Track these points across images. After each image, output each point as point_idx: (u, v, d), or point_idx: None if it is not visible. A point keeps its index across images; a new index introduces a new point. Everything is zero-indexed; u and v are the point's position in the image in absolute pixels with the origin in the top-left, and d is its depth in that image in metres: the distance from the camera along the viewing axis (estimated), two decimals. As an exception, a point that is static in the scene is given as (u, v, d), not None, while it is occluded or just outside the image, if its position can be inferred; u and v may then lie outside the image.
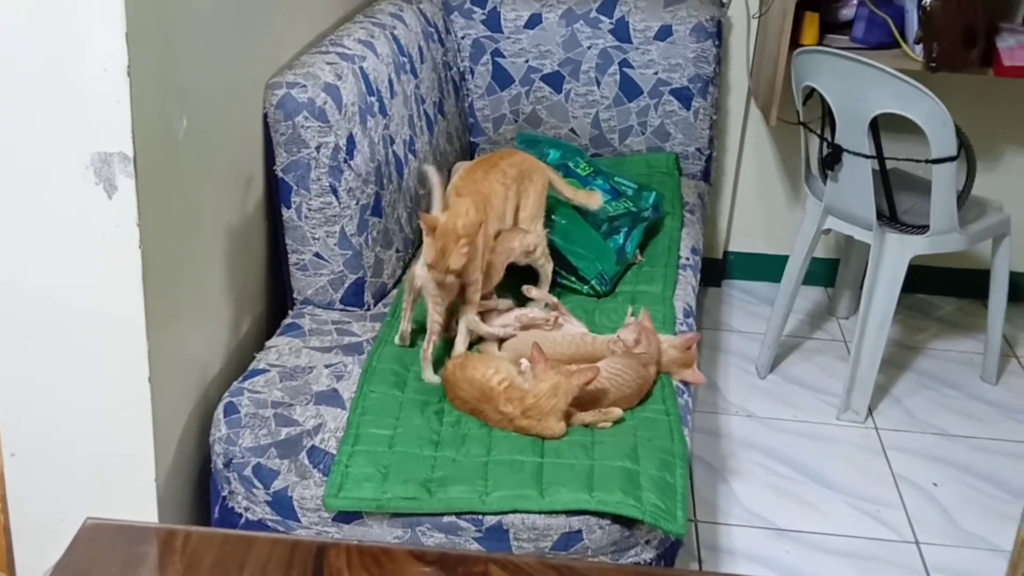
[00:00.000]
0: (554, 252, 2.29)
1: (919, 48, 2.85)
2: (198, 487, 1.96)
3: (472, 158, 2.96)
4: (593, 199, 2.35)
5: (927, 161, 2.55)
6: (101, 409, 1.78)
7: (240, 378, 1.98)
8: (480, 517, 1.70)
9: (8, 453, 1.85)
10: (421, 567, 1.05)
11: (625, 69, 3.03)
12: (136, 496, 1.81)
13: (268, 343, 2.09)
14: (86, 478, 1.84)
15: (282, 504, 1.75)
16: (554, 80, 3.05)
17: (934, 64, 2.80)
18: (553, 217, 2.32)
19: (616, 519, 1.71)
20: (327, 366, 2.02)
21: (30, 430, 1.83)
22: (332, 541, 1.09)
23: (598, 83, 3.05)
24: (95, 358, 1.75)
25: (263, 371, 2.00)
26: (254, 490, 1.77)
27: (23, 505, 1.90)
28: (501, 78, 3.06)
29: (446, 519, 1.70)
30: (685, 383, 2.09)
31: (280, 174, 2.12)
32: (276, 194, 2.15)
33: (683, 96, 3.03)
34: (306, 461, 1.79)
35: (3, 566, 1.99)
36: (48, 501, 1.87)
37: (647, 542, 1.74)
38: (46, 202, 1.66)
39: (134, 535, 1.07)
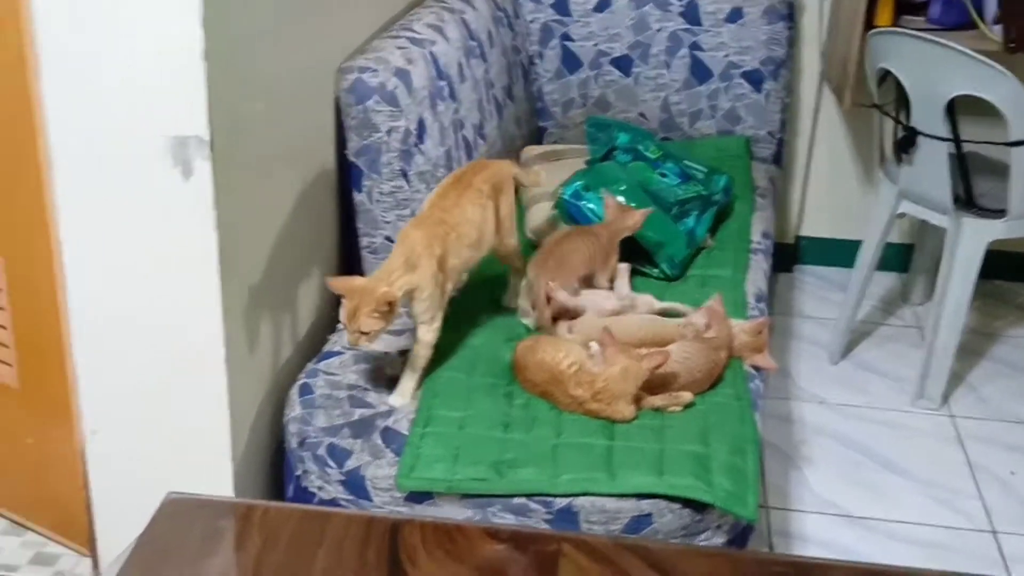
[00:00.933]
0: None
1: (997, 29, 2.78)
2: (272, 467, 1.99)
3: (540, 142, 2.96)
4: (535, 177, 2.23)
5: (1005, 144, 2.49)
6: (179, 388, 1.82)
7: (314, 359, 2.01)
8: (550, 499, 1.71)
9: (89, 431, 1.90)
10: (494, 544, 1.06)
11: (695, 52, 3.00)
12: (213, 475, 1.85)
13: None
14: (164, 457, 1.88)
15: (355, 483, 1.77)
16: (623, 63, 3.04)
17: (1013, 45, 2.74)
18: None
19: (687, 503, 1.71)
20: (400, 351, 2.03)
21: (110, 409, 1.88)
22: (406, 518, 1.10)
23: (668, 66, 3.02)
24: (172, 337, 1.79)
25: (337, 353, 2.03)
26: (327, 469, 1.79)
27: (103, 483, 1.95)
28: (570, 62, 3.05)
29: (516, 501, 1.71)
30: (756, 368, 2.07)
31: (351, 158, 2.14)
32: (347, 178, 2.17)
33: (754, 79, 2.99)
34: (379, 441, 1.81)
35: (84, 542, 2.04)
36: (128, 479, 1.92)
37: (718, 527, 1.73)
38: (124, 184, 1.70)
39: (214, 509, 1.09)
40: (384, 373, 1.98)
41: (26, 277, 1.90)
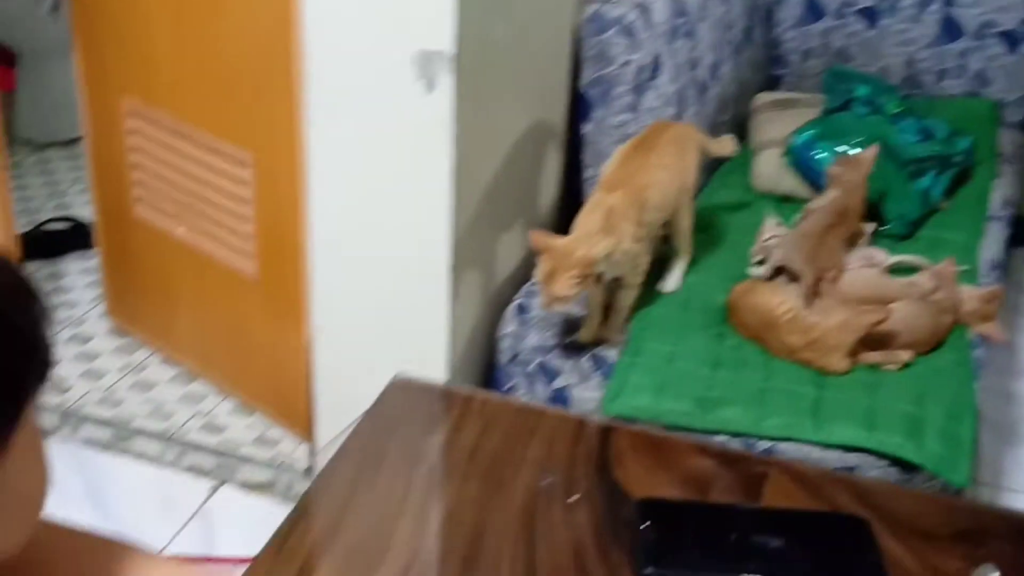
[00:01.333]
0: (854, 189, 2.21)
1: None
2: (483, 380, 2.06)
3: (774, 90, 2.90)
4: (727, 146, 2.16)
5: None
6: (404, 294, 1.90)
7: (532, 281, 2.06)
8: (753, 440, 1.71)
9: (317, 327, 2.02)
10: (702, 458, 1.08)
11: (948, 8, 2.86)
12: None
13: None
14: (382, 359, 1.96)
15: (561, 402, 1.82)
16: (870, 15, 2.93)
17: None
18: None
19: (895, 462, 1.67)
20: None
21: (338, 308, 1.99)
22: (618, 424, 1.13)
23: (917, 20, 2.89)
24: (403, 243, 1.87)
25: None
26: (536, 386, 1.85)
27: (325, 376, 2.07)
28: (814, 10, 2.97)
29: (718, 438, 1.72)
30: (983, 337, 1.99)
31: (584, 89, 2.16)
32: (578, 109, 2.20)
33: (1011, 39, 2.83)
34: (587, 365, 1.85)
35: (304, 430, 2.18)
36: (347, 376, 2.03)
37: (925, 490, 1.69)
38: (369, 93, 1.78)
39: (437, 394, 1.16)
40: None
41: (273, 174, 2.02)
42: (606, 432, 1.11)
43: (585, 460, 1.07)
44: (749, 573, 0.93)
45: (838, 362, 1.84)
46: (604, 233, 1.79)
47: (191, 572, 0.88)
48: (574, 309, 1.96)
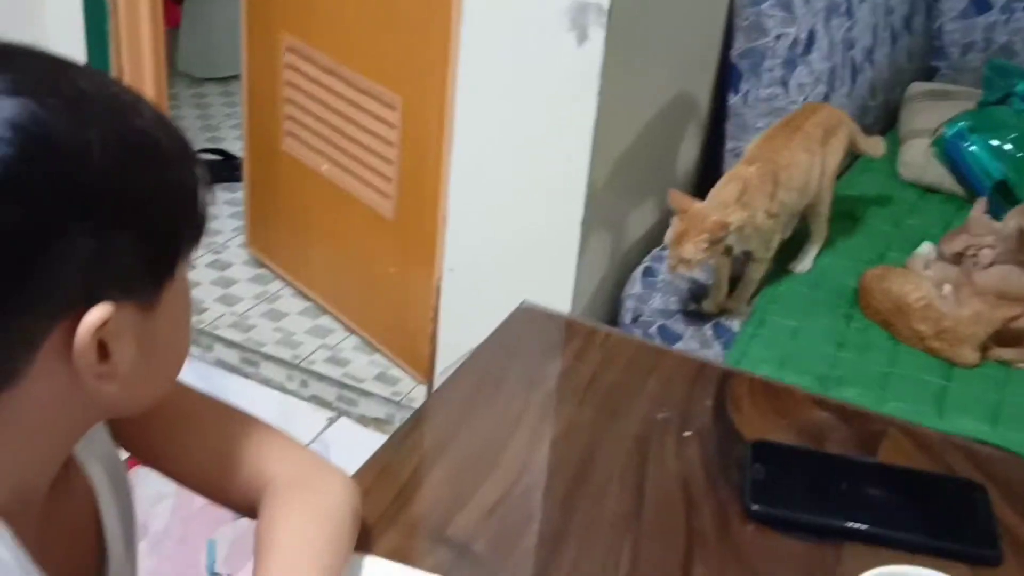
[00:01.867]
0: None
1: None
2: (602, 338, 2.08)
3: (931, 81, 2.83)
4: (877, 147, 2.11)
5: None
6: (533, 245, 1.93)
7: (662, 246, 2.07)
8: (872, 422, 1.69)
9: (447, 268, 2.07)
10: (819, 411, 1.08)
11: (1125, 10, 2.74)
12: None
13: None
14: (507, 306, 2.01)
15: (679, 365, 1.83)
16: (1039, 12, 2.83)
17: None
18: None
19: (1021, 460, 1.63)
20: (744, 252, 2.05)
21: (468, 252, 2.03)
22: (738, 371, 1.14)
23: (1089, 21, 2.79)
24: (537, 194, 1.90)
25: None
26: (656, 346, 1.86)
27: (450, 319, 2.12)
28: (979, 3, 2.88)
29: (836, 416, 1.70)
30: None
31: (734, 59, 2.15)
32: (726, 79, 2.19)
33: None
34: (709, 332, 1.85)
35: (424, 371, 2.23)
36: (471, 320, 2.07)
37: (1048, 490, 1.65)
38: (520, 43, 1.81)
39: (561, 323, 1.18)
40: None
41: (419, 118, 2.07)
42: (726, 376, 1.11)
43: (702, 399, 1.08)
44: (855, 522, 0.93)
45: (968, 354, 1.81)
46: (738, 205, 1.79)
47: (314, 458, 0.92)
48: (700, 277, 1.96)
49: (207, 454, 0.89)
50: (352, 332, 2.43)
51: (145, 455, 0.90)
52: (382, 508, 0.92)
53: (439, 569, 0.86)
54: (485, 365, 1.12)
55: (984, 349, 1.82)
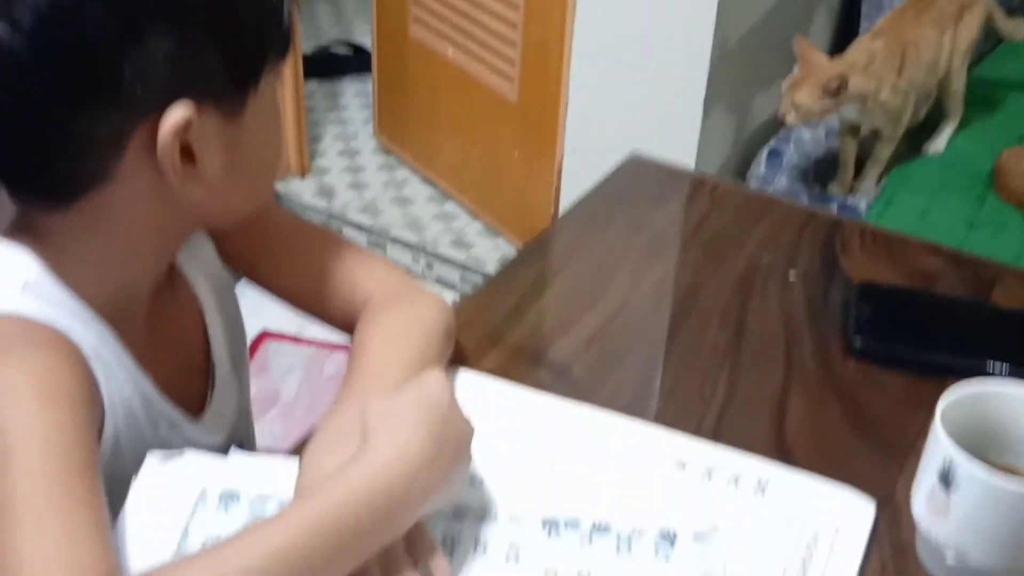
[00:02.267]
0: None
1: None
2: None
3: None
4: (1018, 29, 2.00)
5: None
6: (655, 127, 1.91)
7: (787, 127, 2.03)
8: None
9: (570, 149, 2.07)
10: (932, 257, 1.06)
11: None
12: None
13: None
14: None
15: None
16: None
17: None
18: None
19: None
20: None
21: (590, 133, 2.02)
22: (849, 219, 1.12)
23: None
24: (660, 74, 1.88)
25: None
26: (777, 224, 1.84)
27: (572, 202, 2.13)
28: None
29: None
30: None
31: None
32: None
33: None
34: (834, 209, 1.81)
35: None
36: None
37: None
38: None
39: (671, 173, 1.18)
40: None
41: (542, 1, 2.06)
42: (836, 224, 1.10)
43: (811, 245, 1.07)
44: (959, 356, 0.91)
45: (1109, 236, 1.73)
46: (863, 72, 1.76)
47: (410, 279, 0.94)
48: (827, 154, 1.92)
49: (309, 273, 0.92)
50: (476, 218, 2.47)
51: (250, 273, 0.93)
52: (487, 331, 0.95)
53: (537, 388, 0.89)
54: (594, 208, 1.13)
55: None
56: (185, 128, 0.68)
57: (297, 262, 0.93)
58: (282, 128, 0.82)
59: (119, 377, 0.76)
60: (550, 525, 0.76)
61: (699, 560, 0.75)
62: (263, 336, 2.18)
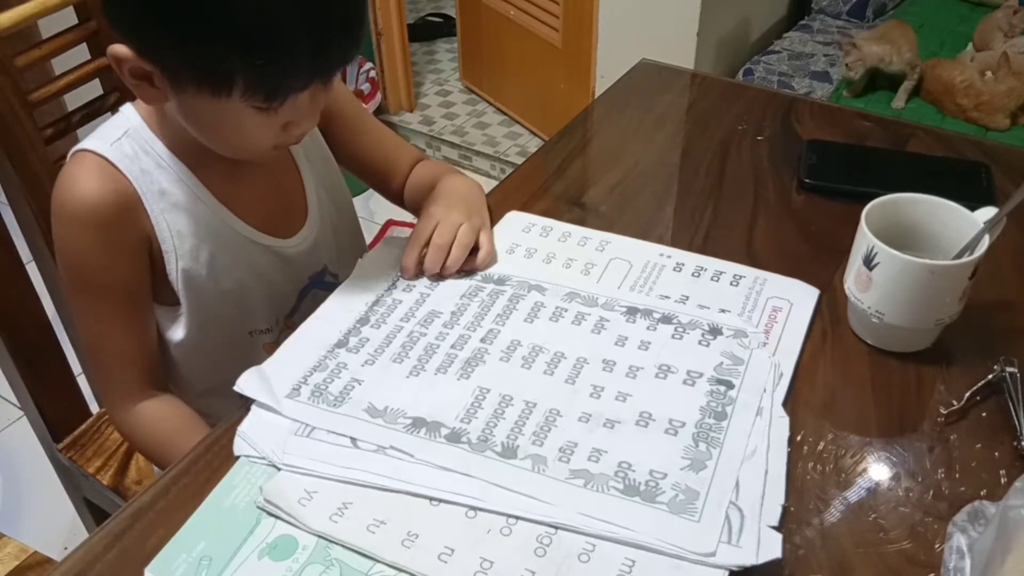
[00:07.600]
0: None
1: None
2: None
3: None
4: None
5: None
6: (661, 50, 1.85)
7: (763, 52, 1.95)
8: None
9: (599, 76, 2.02)
10: (863, 121, 1.02)
11: None
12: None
13: (785, 34, 2.02)
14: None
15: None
16: None
17: None
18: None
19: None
20: (825, 55, 1.91)
21: (615, 63, 1.96)
22: (804, 97, 1.08)
23: None
24: (661, 15, 1.80)
25: (776, 52, 1.95)
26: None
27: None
28: None
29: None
30: None
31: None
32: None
33: None
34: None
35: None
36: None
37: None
38: None
39: (671, 71, 1.14)
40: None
41: (577, -35, 1.99)
42: (794, 99, 1.06)
43: (774, 116, 1.03)
44: (881, 187, 0.88)
45: (1001, 121, 1.65)
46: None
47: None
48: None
49: (374, 154, 0.91)
50: (535, 134, 2.43)
51: (334, 148, 0.89)
52: (539, 184, 0.94)
53: (575, 223, 0.88)
54: (615, 97, 1.10)
55: (1014, 118, 1.66)
56: (118, 62, 0.65)
57: (365, 144, 0.91)
58: (236, 138, 0.70)
59: (197, 210, 0.73)
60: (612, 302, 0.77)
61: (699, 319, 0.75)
62: (389, 223, 2.19)
